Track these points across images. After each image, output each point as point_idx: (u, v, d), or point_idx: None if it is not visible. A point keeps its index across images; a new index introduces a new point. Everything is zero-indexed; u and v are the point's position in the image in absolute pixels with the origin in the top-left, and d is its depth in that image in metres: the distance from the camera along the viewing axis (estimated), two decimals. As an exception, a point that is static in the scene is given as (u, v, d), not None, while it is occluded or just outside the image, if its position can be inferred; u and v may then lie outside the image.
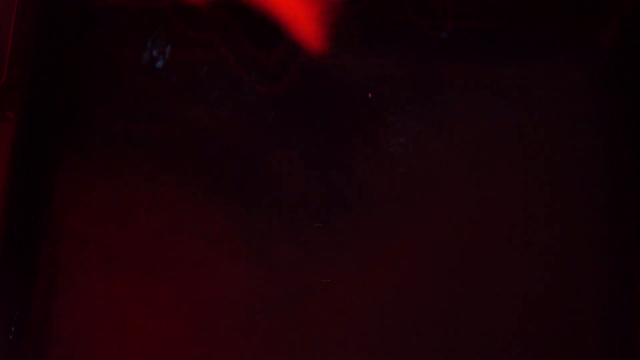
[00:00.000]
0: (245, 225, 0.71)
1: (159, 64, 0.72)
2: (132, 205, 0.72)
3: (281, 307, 0.69)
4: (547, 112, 0.75)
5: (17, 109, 0.67)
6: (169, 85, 0.75)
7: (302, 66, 0.73)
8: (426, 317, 0.69)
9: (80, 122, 0.74)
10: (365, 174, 0.73)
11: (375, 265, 0.71)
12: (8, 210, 0.65)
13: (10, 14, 0.69)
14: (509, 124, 0.75)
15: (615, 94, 0.75)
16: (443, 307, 0.70)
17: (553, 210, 0.72)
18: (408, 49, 0.76)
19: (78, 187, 0.72)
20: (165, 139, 0.74)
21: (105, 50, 0.76)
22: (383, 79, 0.75)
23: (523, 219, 0.72)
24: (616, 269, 0.71)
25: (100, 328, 0.69)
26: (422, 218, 0.72)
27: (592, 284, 0.70)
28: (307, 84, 0.75)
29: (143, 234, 0.71)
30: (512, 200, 0.72)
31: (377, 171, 0.73)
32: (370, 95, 0.72)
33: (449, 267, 0.71)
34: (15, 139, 0.66)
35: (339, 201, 0.72)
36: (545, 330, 0.69)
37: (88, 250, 0.71)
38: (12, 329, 0.67)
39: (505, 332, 0.69)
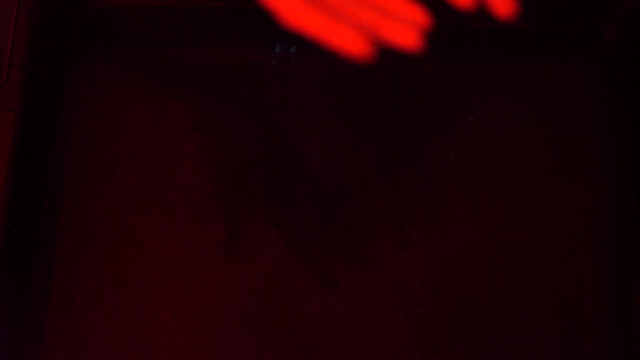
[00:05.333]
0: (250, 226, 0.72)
1: None
2: (133, 207, 0.72)
3: (283, 308, 0.70)
4: (549, 111, 0.75)
5: (17, 109, 0.67)
6: (170, 85, 0.75)
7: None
8: (426, 317, 0.69)
9: (80, 122, 0.74)
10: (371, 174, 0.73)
11: (378, 267, 0.71)
12: (8, 210, 0.65)
13: (10, 14, 0.69)
14: (511, 122, 0.75)
15: (619, 92, 0.75)
16: (443, 307, 0.70)
17: (554, 209, 0.72)
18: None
19: (78, 188, 0.72)
20: (167, 141, 0.74)
21: (106, 50, 0.76)
22: (386, 76, 0.76)
23: (524, 218, 0.72)
24: (617, 269, 0.71)
25: (99, 328, 0.69)
26: (420, 215, 0.72)
27: (593, 284, 0.70)
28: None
29: (144, 235, 0.71)
30: (512, 199, 0.73)
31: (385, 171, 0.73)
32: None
33: (449, 267, 0.71)
34: (15, 139, 0.66)
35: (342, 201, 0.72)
36: (545, 330, 0.69)
37: (88, 250, 0.71)
38: (11, 328, 0.67)
39: (506, 332, 0.69)
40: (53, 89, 0.74)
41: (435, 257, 0.71)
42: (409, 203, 0.72)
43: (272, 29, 0.76)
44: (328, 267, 0.71)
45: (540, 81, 0.76)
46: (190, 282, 0.70)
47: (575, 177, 0.73)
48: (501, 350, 0.69)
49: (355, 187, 0.73)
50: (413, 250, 0.71)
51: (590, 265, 0.71)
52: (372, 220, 0.72)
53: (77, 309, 0.69)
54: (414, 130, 0.74)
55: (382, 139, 0.74)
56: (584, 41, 0.76)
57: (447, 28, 0.71)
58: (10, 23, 0.68)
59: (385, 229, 0.72)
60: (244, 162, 0.73)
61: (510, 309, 0.70)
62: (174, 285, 0.70)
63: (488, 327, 0.69)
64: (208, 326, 0.69)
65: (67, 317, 0.69)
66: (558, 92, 0.75)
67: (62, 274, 0.70)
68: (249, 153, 0.74)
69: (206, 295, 0.70)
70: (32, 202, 0.70)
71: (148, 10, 0.75)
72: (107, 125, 0.74)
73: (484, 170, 0.73)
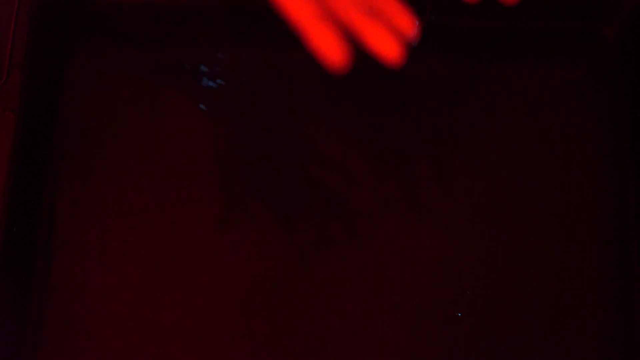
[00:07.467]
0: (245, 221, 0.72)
1: None
2: (132, 207, 0.72)
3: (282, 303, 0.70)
4: (549, 111, 0.75)
5: (17, 109, 0.67)
6: (170, 85, 0.76)
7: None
8: (426, 316, 0.69)
9: (80, 122, 0.74)
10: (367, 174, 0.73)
11: (380, 268, 0.71)
12: (8, 210, 0.65)
13: (10, 14, 0.69)
14: (511, 122, 0.75)
15: (619, 92, 0.75)
16: (443, 307, 0.70)
17: (554, 209, 0.72)
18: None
19: (78, 188, 0.72)
20: (167, 140, 0.74)
21: (106, 50, 0.76)
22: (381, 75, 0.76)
23: (524, 218, 0.72)
24: (617, 269, 0.71)
25: (99, 328, 0.69)
26: (421, 216, 0.72)
27: (593, 284, 0.70)
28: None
29: (143, 235, 0.71)
30: (512, 199, 0.73)
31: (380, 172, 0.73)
32: None
33: (449, 267, 0.71)
34: (15, 139, 0.66)
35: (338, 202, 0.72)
36: (545, 330, 0.69)
37: (87, 250, 0.71)
38: (11, 328, 0.67)
39: (506, 332, 0.69)
40: (53, 89, 0.74)
41: (436, 257, 0.71)
42: (409, 203, 0.72)
43: (273, 29, 0.76)
44: (329, 266, 0.71)
45: (540, 81, 0.76)
46: (190, 282, 0.70)
47: (575, 177, 0.73)
48: (501, 350, 0.69)
49: (355, 187, 0.73)
50: (413, 251, 0.71)
51: (590, 265, 0.71)
52: (372, 220, 0.72)
53: (76, 309, 0.69)
54: (414, 130, 0.74)
55: (382, 138, 0.74)
56: (583, 41, 0.77)
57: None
58: (10, 23, 0.68)
59: (386, 229, 0.72)
60: (244, 162, 0.73)
61: (511, 308, 0.70)
62: (174, 285, 0.70)
63: (488, 327, 0.69)
64: (208, 325, 0.69)
65: (67, 317, 0.69)
66: (558, 92, 0.75)
67: (62, 274, 0.70)
68: (249, 152, 0.74)
69: (206, 295, 0.70)
70: (32, 202, 0.70)
71: (148, 10, 0.75)
72: (107, 125, 0.74)
73: (483, 169, 0.73)
